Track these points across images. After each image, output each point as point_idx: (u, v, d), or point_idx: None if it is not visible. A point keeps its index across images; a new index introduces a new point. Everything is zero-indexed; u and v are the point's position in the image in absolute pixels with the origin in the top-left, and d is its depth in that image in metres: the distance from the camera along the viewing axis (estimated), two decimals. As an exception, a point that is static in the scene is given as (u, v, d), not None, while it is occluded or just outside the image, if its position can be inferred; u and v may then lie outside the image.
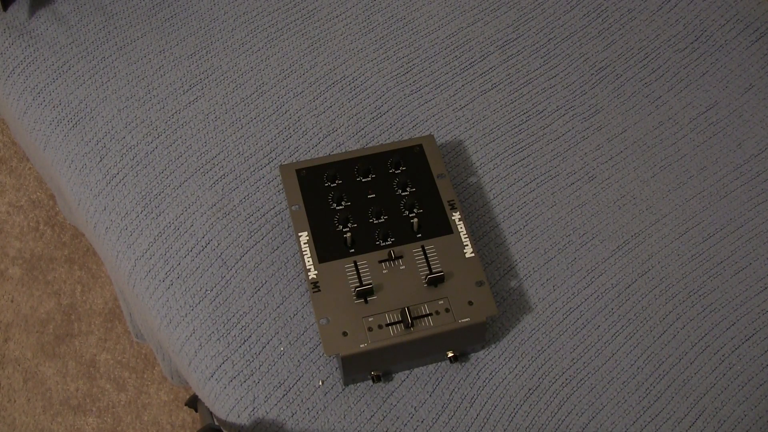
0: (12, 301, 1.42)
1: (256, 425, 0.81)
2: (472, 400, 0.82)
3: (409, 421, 0.81)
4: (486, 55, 1.03)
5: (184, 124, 0.97)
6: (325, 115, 0.98)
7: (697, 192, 0.95)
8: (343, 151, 0.96)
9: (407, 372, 0.83)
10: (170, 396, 1.35)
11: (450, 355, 0.81)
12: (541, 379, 0.83)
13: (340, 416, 0.81)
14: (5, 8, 1.03)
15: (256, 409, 0.81)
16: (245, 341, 0.84)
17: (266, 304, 0.86)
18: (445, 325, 0.78)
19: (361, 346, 0.77)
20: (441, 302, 0.79)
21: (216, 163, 0.94)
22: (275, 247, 0.89)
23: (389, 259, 0.82)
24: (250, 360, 0.83)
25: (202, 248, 0.89)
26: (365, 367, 0.80)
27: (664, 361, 0.85)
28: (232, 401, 0.82)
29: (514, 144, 0.97)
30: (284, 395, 0.81)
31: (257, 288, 0.87)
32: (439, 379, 0.83)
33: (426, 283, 0.80)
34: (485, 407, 0.82)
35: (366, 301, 0.79)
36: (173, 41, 1.03)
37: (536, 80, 1.02)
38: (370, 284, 0.79)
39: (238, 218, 0.91)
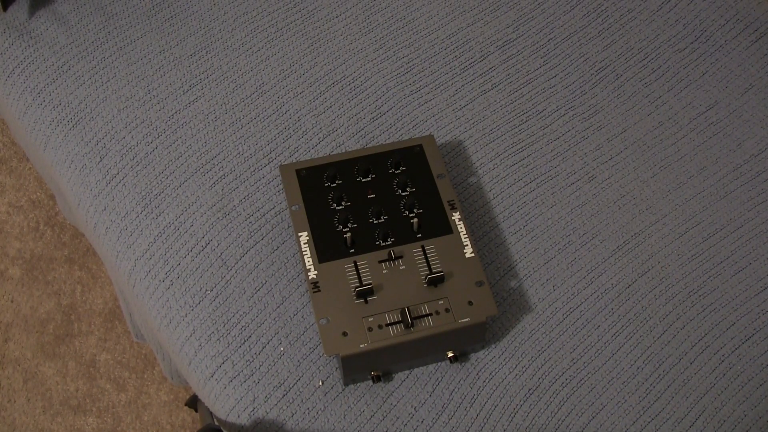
0: (12, 301, 1.42)
1: (256, 425, 0.81)
2: (472, 400, 0.82)
3: (409, 421, 0.81)
4: (486, 55, 1.03)
5: (184, 124, 0.97)
6: (325, 115, 0.98)
7: (697, 192, 0.95)
8: (343, 151, 0.96)
9: (407, 372, 0.83)
10: (170, 396, 1.35)
11: (450, 355, 0.81)
12: (541, 379, 0.83)
13: (340, 416, 0.81)
14: (5, 8, 1.03)
15: (256, 409, 0.81)
16: (245, 341, 0.84)
17: (266, 304, 0.86)
18: (445, 325, 0.78)
19: (361, 346, 0.77)
20: (441, 302, 0.79)
21: (216, 163, 0.94)
22: (275, 247, 0.89)
23: (389, 259, 0.82)
24: (250, 360, 0.83)
25: (202, 248, 0.89)
26: (365, 367, 0.80)
27: (664, 361, 0.85)
28: (232, 401, 0.82)
29: (514, 144, 0.97)
30: (284, 395, 0.81)
31: (257, 288, 0.87)
32: (439, 379, 0.83)
33: (426, 283, 0.80)
34: (485, 407, 0.82)
35: (366, 301, 0.79)
36: (173, 41, 1.03)
37: (536, 80, 1.02)
38: (370, 284, 0.79)
39: (238, 218, 0.91)
